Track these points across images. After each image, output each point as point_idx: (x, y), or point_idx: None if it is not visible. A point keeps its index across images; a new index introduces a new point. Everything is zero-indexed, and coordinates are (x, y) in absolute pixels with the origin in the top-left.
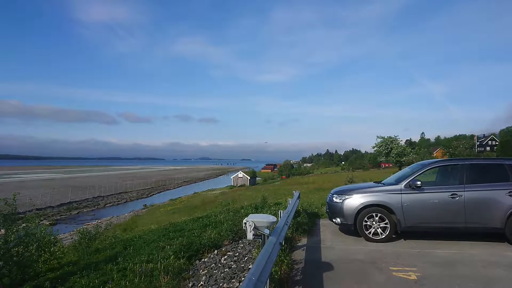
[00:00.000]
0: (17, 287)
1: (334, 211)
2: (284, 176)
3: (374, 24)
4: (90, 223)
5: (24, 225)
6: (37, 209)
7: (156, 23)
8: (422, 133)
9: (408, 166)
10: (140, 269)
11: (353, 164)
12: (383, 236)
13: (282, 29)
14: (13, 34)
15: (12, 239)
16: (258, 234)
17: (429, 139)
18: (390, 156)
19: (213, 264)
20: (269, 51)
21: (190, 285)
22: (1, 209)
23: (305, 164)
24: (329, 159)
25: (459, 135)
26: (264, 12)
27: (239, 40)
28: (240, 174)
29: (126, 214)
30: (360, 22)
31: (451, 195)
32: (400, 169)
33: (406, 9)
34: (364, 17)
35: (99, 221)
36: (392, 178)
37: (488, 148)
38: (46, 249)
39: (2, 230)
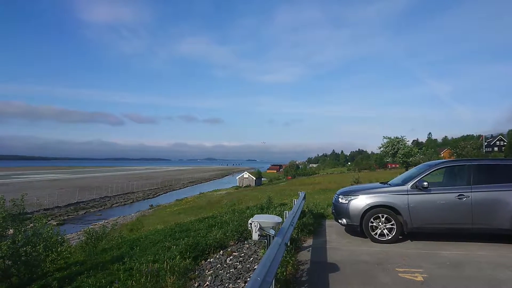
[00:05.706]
0: (25, 286)
1: (340, 212)
2: (289, 177)
3: (379, 23)
4: (97, 223)
5: (31, 225)
6: (44, 209)
7: (159, 24)
8: (429, 133)
9: (415, 167)
10: (146, 269)
11: (359, 165)
12: (389, 237)
13: (286, 29)
14: (17, 35)
15: (20, 239)
16: (263, 235)
17: (436, 139)
18: (396, 156)
19: (219, 265)
20: (273, 51)
21: (196, 285)
22: (9, 209)
23: (310, 165)
24: (335, 159)
25: (467, 135)
26: (267, 12)
27: (242, 40)
28: (246, 174)
29: (132, 214)
30: (364, 22)
31: (458, 196)
32: (406, 170)
33: (411, 8)
34: (369, 17)
35: (106, 221)
36: (398, 178)
37: (496, 149)
38: (54, 249)
39: (10, 230)
